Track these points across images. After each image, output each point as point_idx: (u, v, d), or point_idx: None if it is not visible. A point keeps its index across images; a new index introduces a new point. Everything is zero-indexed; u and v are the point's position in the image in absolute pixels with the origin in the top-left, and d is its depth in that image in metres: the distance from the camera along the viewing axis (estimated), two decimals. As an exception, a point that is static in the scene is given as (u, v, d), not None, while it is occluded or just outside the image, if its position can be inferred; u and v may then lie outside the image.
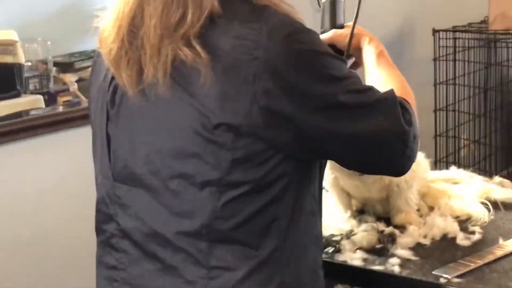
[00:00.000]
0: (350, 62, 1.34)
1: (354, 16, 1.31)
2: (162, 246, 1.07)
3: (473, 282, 1.27)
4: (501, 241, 1.42)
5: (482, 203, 1.60)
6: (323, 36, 1.36)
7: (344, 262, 1.40)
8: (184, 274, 1.05)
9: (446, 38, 3.48)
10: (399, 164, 1.12)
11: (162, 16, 1.01)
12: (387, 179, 1.50)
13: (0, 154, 2.03)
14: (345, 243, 1.45)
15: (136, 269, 1.11)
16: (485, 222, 1.53)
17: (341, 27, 1.39)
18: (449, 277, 1.27)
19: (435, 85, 3.47)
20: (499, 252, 1.37)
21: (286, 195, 1.06)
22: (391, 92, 1.09)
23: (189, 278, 1.04)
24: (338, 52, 1.29)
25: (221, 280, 1.04)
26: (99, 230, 1.18)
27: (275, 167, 1.03)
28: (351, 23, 1.32)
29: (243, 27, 1.01)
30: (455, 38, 3.50)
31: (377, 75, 1.29)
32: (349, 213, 1.58)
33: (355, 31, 1.32)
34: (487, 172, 1.88)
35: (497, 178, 1.76)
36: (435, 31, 3.46)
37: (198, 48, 0.98)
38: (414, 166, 1.15)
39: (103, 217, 1.16)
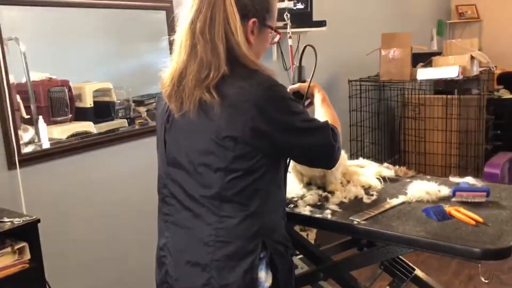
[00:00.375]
0: (307, 102, 1.47)
1: (311, 75, 1.44)
2: (193, 203, 1.18)
3: (372, 223, 1.42)
4: (388, 200, 1.58)
5: (377, 178, 1.75)
6: (294, 86, 1.50)
7: (299, 213, 1.53)
8: (206, 219, 1.17)
9: (356, 85, 3.91)
10: (329, 163, 1.26)
11: (196, 74, 1.13)
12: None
13: (103, 153, 2.26)
14: (300, 202, 1.59)
15: (179, 216, 1.23)
16: (379, 189, 1.69)
17: (304, 81, 1.51)
18: (359, 220, 1.43)
19: (350, 111, 3.87)
20: (387, 206, 1.53)
21: (264, 177, 1.17)
22: (326, 122, 1.24)
23: (208, 221, 1.16)
24: (301, 95, 1.45)
25: (226, 223, 1.15)
26: (159, 192, 1.30)
27: (258, 161, 1.15)
28: (308, 80, 1.47)
29: (242, 82, 1.12)
30: (361, 85, 3.92)
31: (321, 111, 1.42)
32: (302, 185, 1.72)
33: (312, 84, 1.45)
34: (379, 160, 2.12)
35: (385, 164, 1.91)
36: (349, 81, 3.89)
37: (214, 93, 1.11)
38: (339, 157, 1.26)
39: (161, 185, 1.28)
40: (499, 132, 4.65)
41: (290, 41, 2.77)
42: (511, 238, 1.25)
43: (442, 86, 4.24)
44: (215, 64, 1.12)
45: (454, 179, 1.71)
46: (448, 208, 1.44)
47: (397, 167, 1.87)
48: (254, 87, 1.11)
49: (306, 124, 1.18)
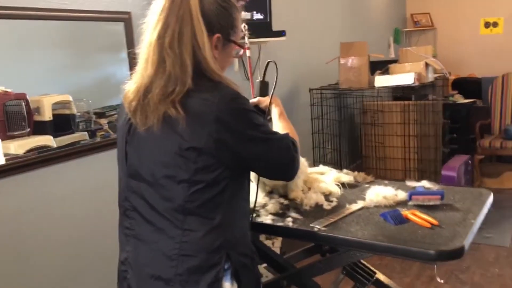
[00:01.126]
0: (269, 117, 1.50)
1: (272, 91, 1.50)
2: (156, 216, 1.18)
3: (332, 229, 1.43)
4: (347, 205, 1.60)
5: (337, 184, 1.77)
6: (253, 100, 1.54)
7: (262, 222, 1.54)
8: (168, 232, 1.16)
9: (317, 93, 3.93)
10: (289, 173, 1.28)
11: (162, 89, 1.14)
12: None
13: (64, 168, 2.21)
14: (262, 211, 1.60)
15: (140, 229, 1.22)
16: (339, 195, 1.70)
17: (265, 96, 1.56)
18: (320, 227, 1.44)
19: (311, 119, 3.87)
20: (346, 212, 1.55)
21: (227, 189, 1.18)
22: (287, 135, 1.28)
23: (171, 235, 1.16)
24: (260, 110, 1.51)
25: (189, 236, 1.15)
26: (120, 206, 1.29)
27: (220, 174, 1.15)
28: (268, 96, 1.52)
29: (206, 94, 1.14)
30: (321, 93, 3.95)
31: (279, 126, 1.46)
32: (264, 193, 1.73)
33: (272, 99, 1.51)
34: (342, 166, 2.12)
35: (345, 170, 1.93)
36: (310, 89, 3.90)
37: (179, 108, 1.12)
38: (300, 165, 1.31)
39: (122, 198, 1.28)
40: (455, 135, 4.84)
41: (248, 52, 2.79)
42: (463, 239, 1.30)
43: (400, 93, 4.38)
44: (181, 79, 1.13)
45: (411, 183, 1.75)
46: (404, 212, 1.48)
47: (356, 172, 1.89)
48: (217, 98, 1.13)
49: (268, 136, 1.20)
